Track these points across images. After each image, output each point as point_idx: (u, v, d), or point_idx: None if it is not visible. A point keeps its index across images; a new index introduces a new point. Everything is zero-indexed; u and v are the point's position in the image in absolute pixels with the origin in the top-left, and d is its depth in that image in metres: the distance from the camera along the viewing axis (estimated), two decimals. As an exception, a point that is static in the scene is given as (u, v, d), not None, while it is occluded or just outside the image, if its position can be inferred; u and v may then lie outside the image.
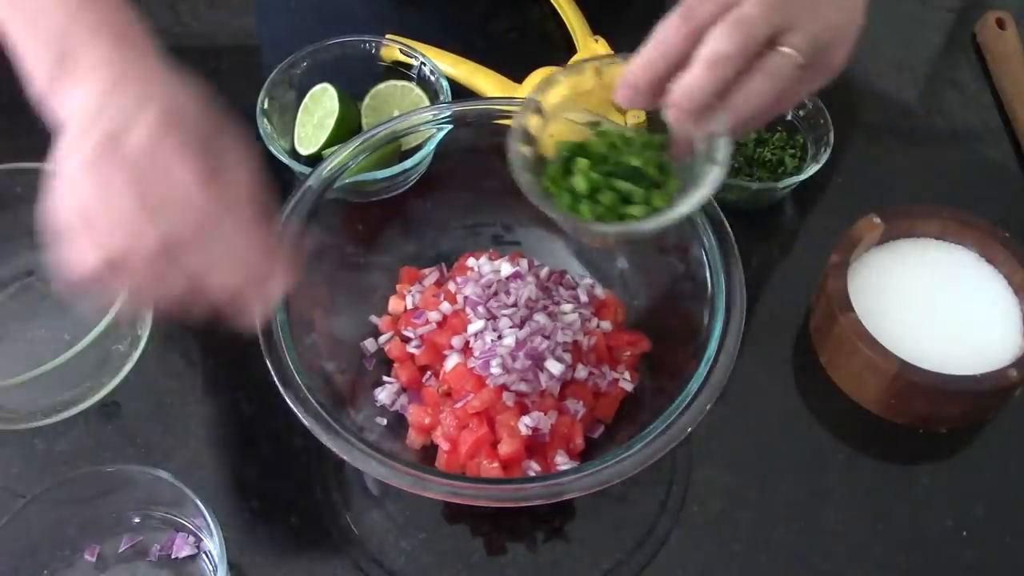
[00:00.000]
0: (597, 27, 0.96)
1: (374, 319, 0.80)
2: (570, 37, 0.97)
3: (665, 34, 0.60)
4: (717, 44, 0.58)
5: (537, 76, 0.88)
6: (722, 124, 0.61)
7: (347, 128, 0.86)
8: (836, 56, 0.64)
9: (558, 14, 0.99)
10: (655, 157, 0.65)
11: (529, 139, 0.66)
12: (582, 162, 0.65)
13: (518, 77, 0.91)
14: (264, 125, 0.85)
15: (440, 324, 0.77)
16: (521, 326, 0.74)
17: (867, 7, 0.65)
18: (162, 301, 0.57)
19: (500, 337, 0.73)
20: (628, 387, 0.75)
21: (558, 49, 0.96)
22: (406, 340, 0.78)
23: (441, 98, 0.87)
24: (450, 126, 0.79)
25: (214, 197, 0.55)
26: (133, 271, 0.55)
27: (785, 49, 0.60)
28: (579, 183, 0.64)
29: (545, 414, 0.71)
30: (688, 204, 0.63)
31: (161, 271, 0.55)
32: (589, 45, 0.94)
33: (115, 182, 0.54)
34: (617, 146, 0.66)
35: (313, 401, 0.65)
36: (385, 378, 0.77)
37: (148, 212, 0.54)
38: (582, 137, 0.67)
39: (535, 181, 0.65)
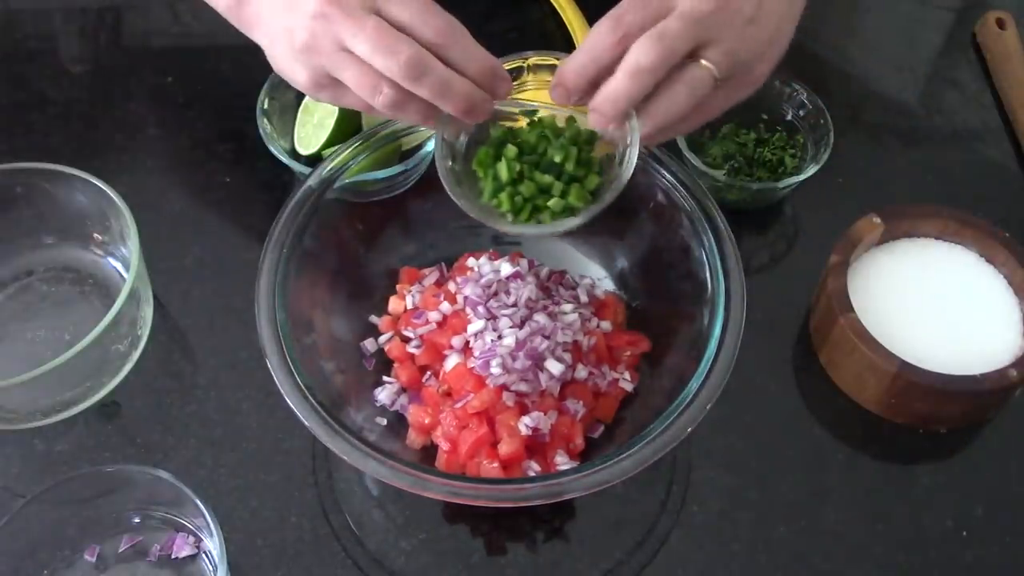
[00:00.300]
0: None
1: (374, 319, 0.80)
2: (570, 37, 0.97)
3: (595, 39, 0.63)
4: (639, 56, 0.62)
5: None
6: (637, 130, 0.64)
7: (347, 128, 0.86)
8: (757, 71, 0.67)
9: (558, 14, 0.99)
10: (579, 152, 0.68)
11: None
12: (510, 150, 0.68)
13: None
14: (264, 125, 0.85)
15: (440, 324, 0.77)
16: (521, 326, 0.74)
17: (799, 15, 0.69)
18: (415, 111, 0.65)
19: (500, 337, 0.73)
20: (628, 387, 0.75)
21: (558, 49, 0.96)
22: (406, 340, 0.78)
23: (441, 98, 0.87)
24: (450, 126, 0.79)
25: (447, 18, 0.63)
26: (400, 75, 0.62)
27: (704, 63, 0.63)
28: (502, 171, 0.67)
29: (545, 414, 0.71)
30: (587, 212, 0.66)
31: (417, 75, 0.62)
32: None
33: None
34: (547, 137, 0.69)
35: (313, 401, 0.65)
36: (385, 378, 0.77)
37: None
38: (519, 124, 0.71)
39: (454, 170, 0.68)
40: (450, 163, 0.68)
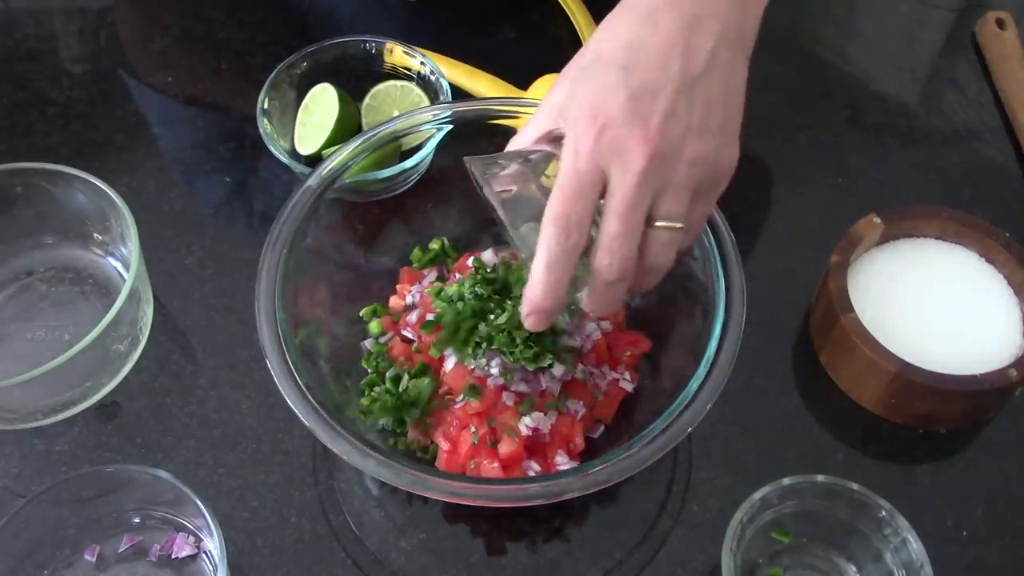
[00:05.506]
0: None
1: (373, 320, 0.80)
2: (579, 41, 0.96)
3: (553, 255, 0.58)
4: (612, 258, 0.59)
5: (542, 83, 0.88)
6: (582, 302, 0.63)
7: (347, 128, 0.86)
8: (724, 164, 0.62)
9: (565, 17, 0.99)
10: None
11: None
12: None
13: (520, 81, 0.91)
14: (264, 125, 0.85)
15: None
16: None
17: (742, 95, 0.62)
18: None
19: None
20: (628, 387, 0.75)
21: (565, 52, 0.96)
22: (406, 340, 0.78)
23: (441, 98, 0.87)
24: (450, 126, 0.79)
25: None
26: None
27: (660, 224, 0.60)
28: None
29: (545, 414, 0.71)
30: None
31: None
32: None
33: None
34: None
35: (313, 401, 0.65)
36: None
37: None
38: None
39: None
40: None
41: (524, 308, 0.61)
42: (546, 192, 0.60)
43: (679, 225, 0.60)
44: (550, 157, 0.61)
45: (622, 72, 0.59)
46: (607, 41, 0.61)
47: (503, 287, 0.72)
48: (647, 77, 0.58)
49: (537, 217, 0.60)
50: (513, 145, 0.64)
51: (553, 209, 0.58)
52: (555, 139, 0.62)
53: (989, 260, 0.81)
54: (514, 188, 0.61)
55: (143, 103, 0.97)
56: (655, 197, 0.59)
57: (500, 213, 0.61)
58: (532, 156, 0.62)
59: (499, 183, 0.61)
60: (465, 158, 0.63)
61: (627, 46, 0.60)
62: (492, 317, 0.70)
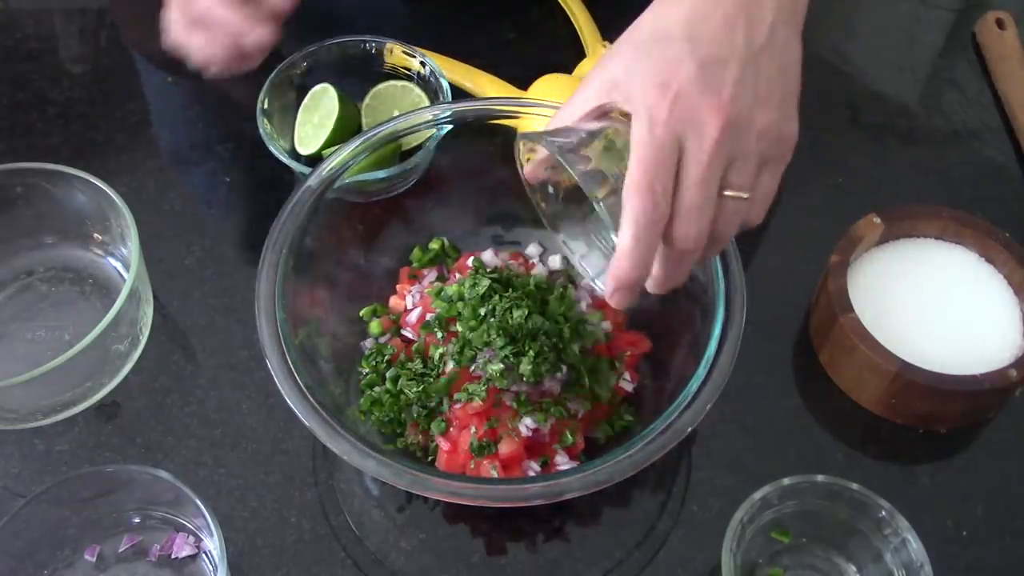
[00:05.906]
0: (608, 31, 0.95)
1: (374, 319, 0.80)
2: (578, 40, 0.96)
3: (640, 227, 0.58)
4: (690, 228, 0.59)
5: (542, 83, 0.88)
6: None
7: (347, 128, 0.86)
8: (787, 138, 0.62)
9: (564, 16, 0.99)
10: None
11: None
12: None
13: (520, 81, 0.91)
14: (264, 125, 0.85)
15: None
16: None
17: (798, 72, 0.63)
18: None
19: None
20: (628, 387, 0.75)
21: (565, 51, 0.96)
22: (406, 340, 0.78)
23: (441, 98, 0.87)
24: (450, 126, 0.79)
25: None
26: None
27: (728, 193, 0.60)
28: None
29: (545, 414, 0.71)
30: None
31: None
32: (598, 51, 0.93)
33: None
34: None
35: (313, 401, 0.65)
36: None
37: None
38: None
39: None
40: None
41: (609, 285, 0.60)
42: (614, 165, 0.60)
43: (745, 195, 0.61)
44: (604, 131, 0.62)
45: (687, 44, 0.60)
46: (662, 18, 0.62)
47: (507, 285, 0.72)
48: (714, 48, 0.60)
49: (611, 191, 0.60)
50: (561, 118, 0.64)
51: (636, 181, 0.58)
52: (605, 113, 0.62)
53: (989, 260, 0.81)
54: (583, 164, 0.61)
55: (143, 103, 0.97)
56: (728, 167, 0.60)
57: (582, 187, 0.60)
58: (593, 130, 0.62)
59: (572, 159, 0.61)
60: (520, 133, 0.64)
61: (688, 20, 0.61)
62: (494, 321, 0.70)
